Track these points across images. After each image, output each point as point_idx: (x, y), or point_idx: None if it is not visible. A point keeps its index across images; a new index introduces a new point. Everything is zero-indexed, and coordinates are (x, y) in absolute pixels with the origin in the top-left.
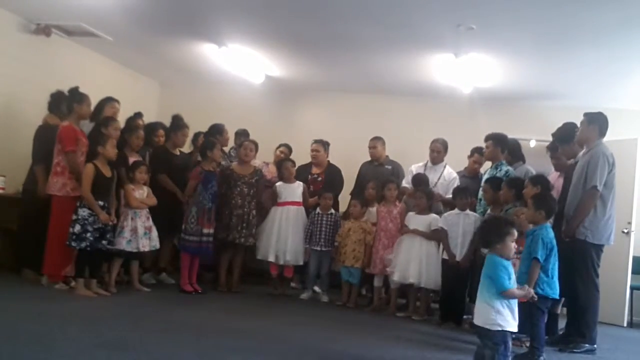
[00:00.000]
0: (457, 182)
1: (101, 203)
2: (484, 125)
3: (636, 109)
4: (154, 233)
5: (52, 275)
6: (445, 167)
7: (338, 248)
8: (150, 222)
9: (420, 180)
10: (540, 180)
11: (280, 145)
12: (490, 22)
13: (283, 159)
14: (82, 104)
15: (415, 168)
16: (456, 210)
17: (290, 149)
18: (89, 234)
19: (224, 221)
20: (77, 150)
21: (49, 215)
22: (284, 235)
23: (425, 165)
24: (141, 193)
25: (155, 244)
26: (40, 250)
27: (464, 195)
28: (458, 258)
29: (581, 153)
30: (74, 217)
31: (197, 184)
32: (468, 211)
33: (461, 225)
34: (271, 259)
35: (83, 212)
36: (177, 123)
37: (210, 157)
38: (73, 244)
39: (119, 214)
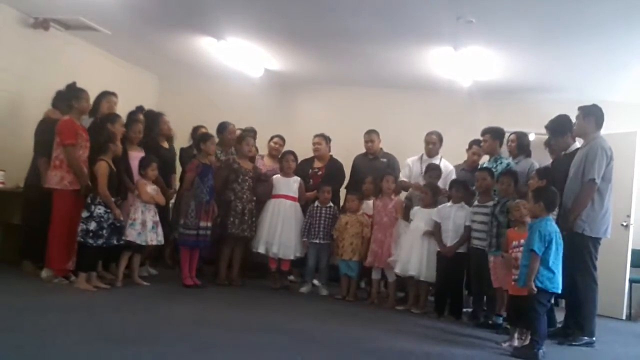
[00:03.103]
0: (453, 174)
1: (113, 199)
2: (483, 118)
3: (635, 102)
4: (160, 228)
5: (57, 269)
6: (441, 159)
7: (336, 242)
8: (157, 218)
9: (433, 168)
10: (546, 173)
11: (273, 137)
12: (489, 16)
13: (285, 152)
14: (80, 99)
15: (411, 161)
16: (450, 203)
17: (283, 140)
18: (104, 231)
19: (238, 217)
20: (77, 144)
21: (51, 209)
22: (273, 228)
23: (421, 158)
24: (152, 189)
25: (161, 239)
26: (42, 244)
27: (460, 188)
28: None
29: (573, 147)
30: (86, 214)
31: (194, 177)
32: (462, 204)
33: (452, 217)
34: (261, 250)
35: (99, 210)
36: (150, 114)
37: (204, 150)
38: (90, 241)
39: (122, 208)
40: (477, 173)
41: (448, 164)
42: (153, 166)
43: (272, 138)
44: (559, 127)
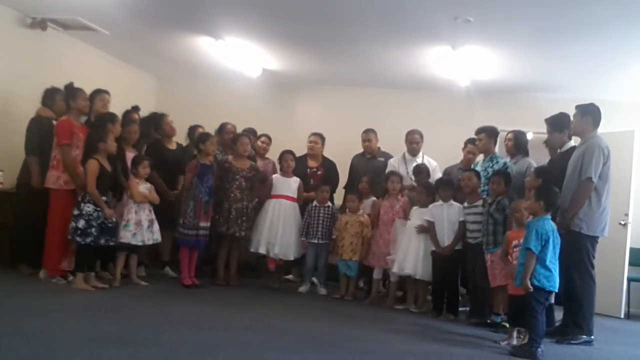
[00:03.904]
0: (438, 171)
1: (104, 198)
2: (481, 117)
3: (633, 100)
4: (156, 226)
5: (51, 269)
6: (423, 157)
7: (335, 241)
8: (153, 216)
9: (421, 170)
10: (543, 172)
11: (260, 136)
12: (487, 15)
13: (284, 152)
14: (77, 99)
15: (395, 162)
16: (440, 202)
17: (270, 139)
18: (93, 229)
19: (224, 214)
20: (72, 144)
21: (44, 209)
22: (274, 228)
23: (404, 157)
24: (145, 187)
25: (157, 237)
26: (36, 244)
27: (446, 187)
28: None
29: (568, 145)
30: (76, 212)
31: (193, 177)
32: (452, 202)
33: (445, 216)
34: (262, 251)
35: (88, 208)
36: (155, 117)
37: (203, 151)
38: (78, 239)
39: (116, 208)
40: (463, 174)
41: (431, 160)
42: (145, 164)
43: (259, 137)
44: (558, 123)
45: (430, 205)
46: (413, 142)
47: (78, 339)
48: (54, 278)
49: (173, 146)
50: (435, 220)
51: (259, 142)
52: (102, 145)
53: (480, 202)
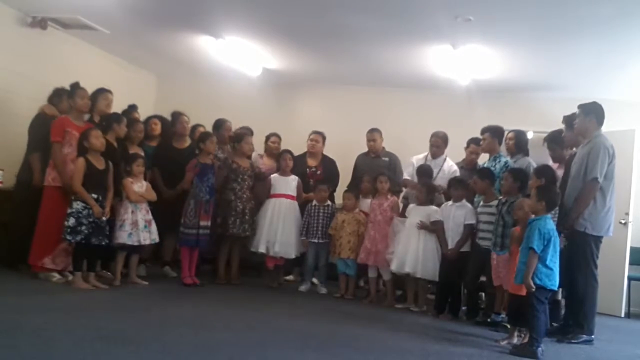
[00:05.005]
0: (457, 175)
1: (95, 196)
2: (482, 117)
3: (634, 100)
4: (154, 226)
5: (32, 265)
6: (445, 160)
7: (333, 240)
8: (150, 216)
9: (424, 171)
10: (545, 172)
11: (270, 135)
12: (487, 14)
13: (283, 151)
14: (75, 97)
15: (416, 160)
16: (451, 202)
17: (280, 138)
18: (83, 227)
19: (238, 216)
20: (64, 142)
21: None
22: (274, 227)
23: (426, 158)
24: (140, 186)
25: (155, 237)
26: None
27: (459, 186)
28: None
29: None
30: (69, 210)
31: (193, 176)
32: (464, 202)
33: (451, 217)
34: (262, 250)
35: (77, 205)
36: (173, 115)
37: (204, 150)
38: (68, 237)
39: (115, 208)
40: (474, 176)
41: (453, 164)
42: (139, 162)
43: (269, 137)
44: (571, 122)
45: (443, 205)
46: (434, 145)
47: (78, 338)
48: (54, 277)
49: (184, 145)
50: (445, 220)
51: (269, 143)
52: (86, 144)
53: (495, 202)
